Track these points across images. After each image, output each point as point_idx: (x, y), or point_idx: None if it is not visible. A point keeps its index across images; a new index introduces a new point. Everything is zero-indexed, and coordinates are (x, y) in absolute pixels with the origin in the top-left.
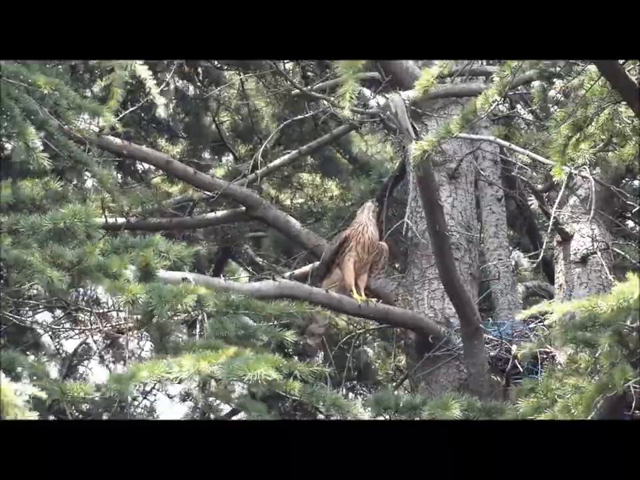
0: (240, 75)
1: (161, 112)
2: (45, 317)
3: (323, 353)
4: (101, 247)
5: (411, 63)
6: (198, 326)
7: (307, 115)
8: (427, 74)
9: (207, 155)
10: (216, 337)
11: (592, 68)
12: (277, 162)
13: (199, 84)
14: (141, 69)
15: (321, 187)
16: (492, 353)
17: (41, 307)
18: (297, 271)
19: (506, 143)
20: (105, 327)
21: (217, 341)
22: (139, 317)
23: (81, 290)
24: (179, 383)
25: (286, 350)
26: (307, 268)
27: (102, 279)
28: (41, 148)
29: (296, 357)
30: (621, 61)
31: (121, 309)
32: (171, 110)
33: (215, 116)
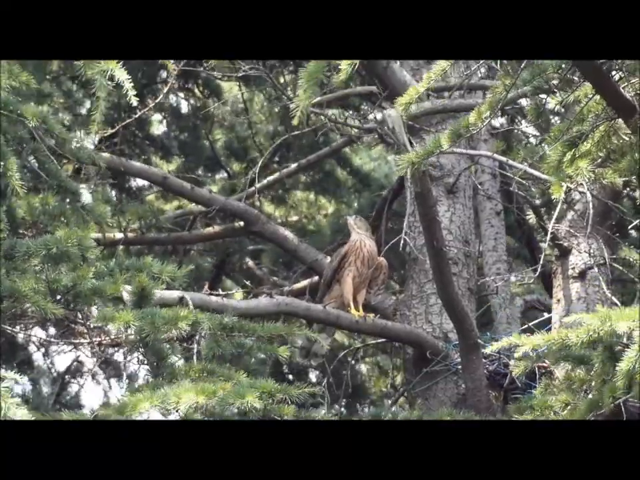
0: (240, 89)
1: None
2: (38, 333)
3: (319, 371)
4: (94, 270)
5: (408, 77)
6: (195, 346)
7: (305, 131)
8: (414, 89)
9: (200, 172)
10: (212, 356)
11: (587, 84)
12: (275, 176)
13: (198, 95)
14: (119, 71)
15: (315, 205)
16: (490, 368)
17: (34, 321)
18: (294, 286)
19: (503, 159)
20: (103, 340)
21: (212, 364)
22: (135, 339)
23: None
24: (176, 411)
25: (283, 369)
26: (304, 283)
27: (96, 302)
28: (18, 176)
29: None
30: (615, 78)
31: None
32: (165, 127)
33: (209, 133)
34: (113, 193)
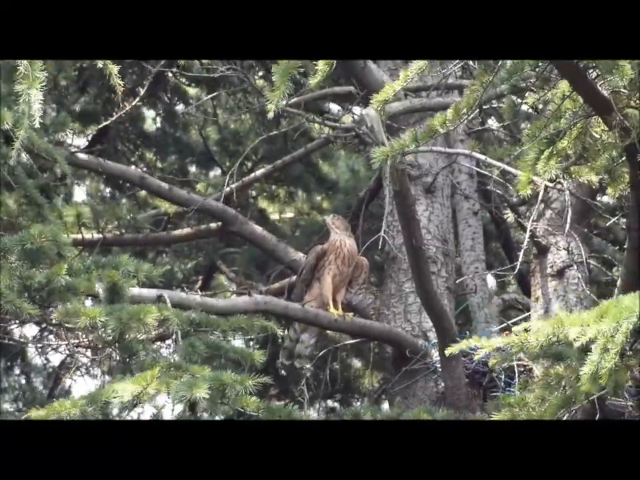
0: (208, 94)
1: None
2: (30, 330)
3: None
4: (67, 268)
5: (386, 77)
6: (172, 345)
7: (282, 131)
8: (390, 87)
9: (193, 169)
10: (187, 357)
11: (564, 83)
12: (251, 176)
13: (167, 101)
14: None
15: (308, 201)
16: (469, 366)
17: (17, 322)
18: (272, 286)
19: (482, 157)
20: (80, 343)
21: (181, 361)
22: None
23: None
24: (128, 408)
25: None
26: (283, 283)
27: (71, 299)
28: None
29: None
30: (592, 76)
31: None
32: (159, 124)
33: (201, 129)
34: (107, 189)
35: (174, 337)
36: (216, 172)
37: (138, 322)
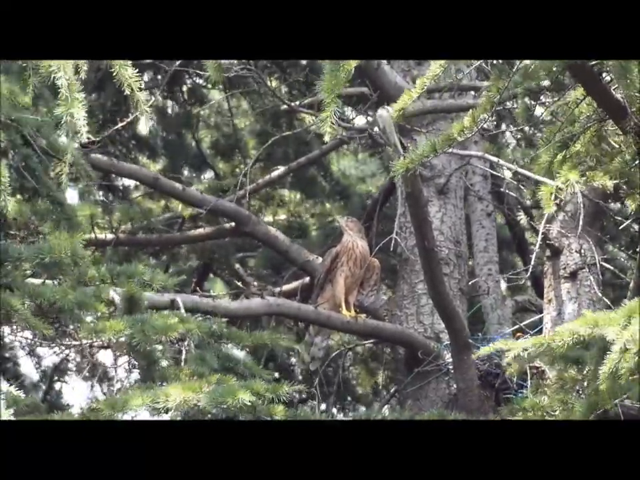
0: (225, 93)
1: (143, 127)
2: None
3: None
4: (80, 280)
5: (399, 78)
6: (184, 351)
7: (296, 132)
8: (407, 95)
9: (186, 172)
10: (196, 368)
11: (578, 87)
12: (266, 178)
13: (182, 101)
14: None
15: (302, 204)
16: (482, 368)
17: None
18: (285, 287)
19: (495, 159)
20: (93, 342)
21: (202, 368)
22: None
23: None
24: (165, 412)
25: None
26: (295, 284)
27: (81, 318)
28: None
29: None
30: (606, 80)
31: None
32: (152, 127)
33: (195, 132)
34: (100, 193)
35: (187, 342)
36: (209, 174)
37: (162, 335)
